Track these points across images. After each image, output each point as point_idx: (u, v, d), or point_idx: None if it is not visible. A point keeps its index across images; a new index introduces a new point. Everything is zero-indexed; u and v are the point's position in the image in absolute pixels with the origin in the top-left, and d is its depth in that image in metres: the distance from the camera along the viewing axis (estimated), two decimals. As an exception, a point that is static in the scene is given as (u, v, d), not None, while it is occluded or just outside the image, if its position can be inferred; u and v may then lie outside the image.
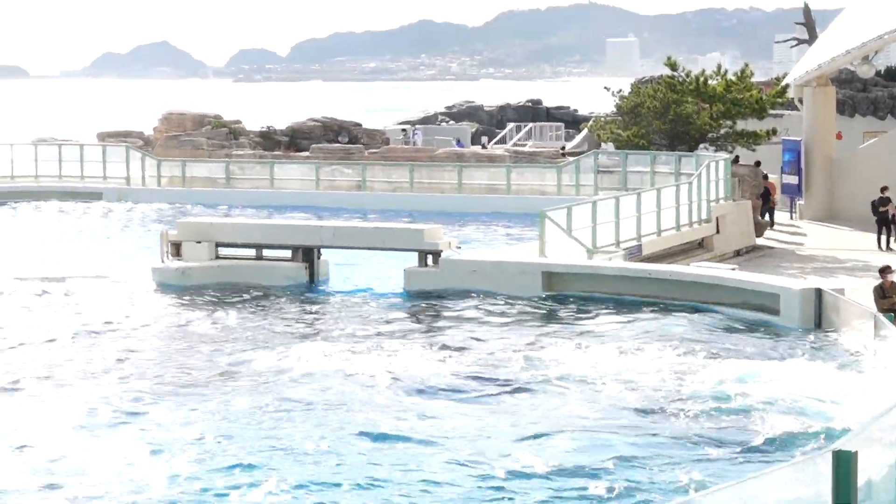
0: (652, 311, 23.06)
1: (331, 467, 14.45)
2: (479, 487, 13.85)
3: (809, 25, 67.50)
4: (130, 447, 15.06)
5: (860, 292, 23.31)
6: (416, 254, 26.28)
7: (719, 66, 43.55)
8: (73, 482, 13.92)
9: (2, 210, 42.05)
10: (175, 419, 16.18)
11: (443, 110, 71.56)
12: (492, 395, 17.63)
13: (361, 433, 15.60)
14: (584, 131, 56.56)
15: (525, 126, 62.11)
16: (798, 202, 41.33)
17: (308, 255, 26.82)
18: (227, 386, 17.97)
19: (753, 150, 41.49)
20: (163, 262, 26.86)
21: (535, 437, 15.60)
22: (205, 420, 16.23)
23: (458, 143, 56.36)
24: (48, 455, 14.85)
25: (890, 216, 34.24)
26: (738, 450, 14.99)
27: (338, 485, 13.86)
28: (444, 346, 20.42)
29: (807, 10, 68.11)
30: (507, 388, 17.85)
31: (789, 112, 45.28)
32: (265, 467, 14.33)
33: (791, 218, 40.82)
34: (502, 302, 24.02)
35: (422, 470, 14.30)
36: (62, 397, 17.37)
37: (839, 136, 42.81)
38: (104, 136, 54.18)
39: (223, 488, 13.66)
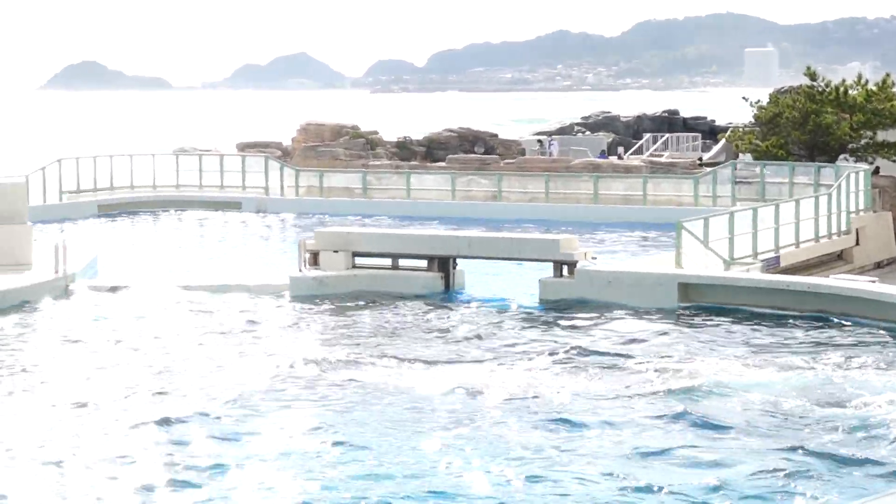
0: (790, 324, 22.80)
1: (464, 480, 14.43)
2: None
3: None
4: (266, 452, 15.26)
5: None
6: (551, 264, 26.29)
7: (860, 76, 42.96)
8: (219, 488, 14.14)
9: (144, 218, 42.86)
10: (310, 426, 16.34)
11: (579, 121, 71.42)
12: (636, 409, 17.44)
13: (505, 454, 15.26)
14: (722, 142, 56.11)
15: (662, 136, 61.75)
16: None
17: (444, 265, 26.97)
18: (360, 394, 18.09)
19: (894, 161, 40.82)
20: (300, 270, 27.18)
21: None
22: (340, 428, 16.36)
23: (602, 154, 56.22)
24: (204, 451, 15.14)
25: None
26: (889, 469, 14.69)
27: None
28: (582, 357, 20.35)
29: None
30: (654, 402, 17.67)
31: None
32: (400, 477, 14.40)
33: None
34: (638, 313, 23.92)
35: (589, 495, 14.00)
36: (207, 399, 17.65)
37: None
38: (243, 147, 55.01)
39: (357, 497, 13.76)
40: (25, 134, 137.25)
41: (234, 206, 45.04)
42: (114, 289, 26.54)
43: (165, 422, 16.49)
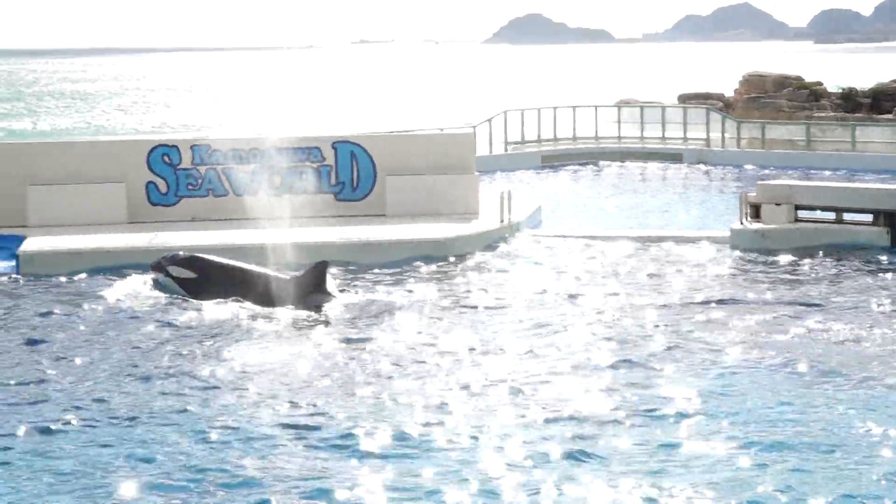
0: None
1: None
2: None
3: None
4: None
5: None
6: None
7: None
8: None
9: (586, 169, 43.47)
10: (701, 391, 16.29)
11: None
12: None
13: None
14: None
15: None
16: None
17: (890, 219, 26.24)
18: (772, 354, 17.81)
19: None
20: (741, 223, 27.04)
21: None
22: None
23: None
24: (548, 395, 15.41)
25: None
26: None
27: None
28: None
29: None
30: None
31: None
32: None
33: None
34: None
35: None
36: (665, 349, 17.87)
37: None
38: (685, 98, 54.89)
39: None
40: (472, 86, 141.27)
41: (675, 157, 45.06)
42: (557, 238, 27.18)
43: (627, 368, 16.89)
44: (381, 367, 17.13)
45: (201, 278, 21.70)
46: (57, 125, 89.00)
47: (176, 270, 21.97)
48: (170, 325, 19.66)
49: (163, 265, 22.20)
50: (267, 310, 20.43)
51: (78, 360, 17.61)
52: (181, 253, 22.63)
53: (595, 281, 22.94)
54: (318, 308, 20.54)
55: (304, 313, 20.27)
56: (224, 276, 21.63)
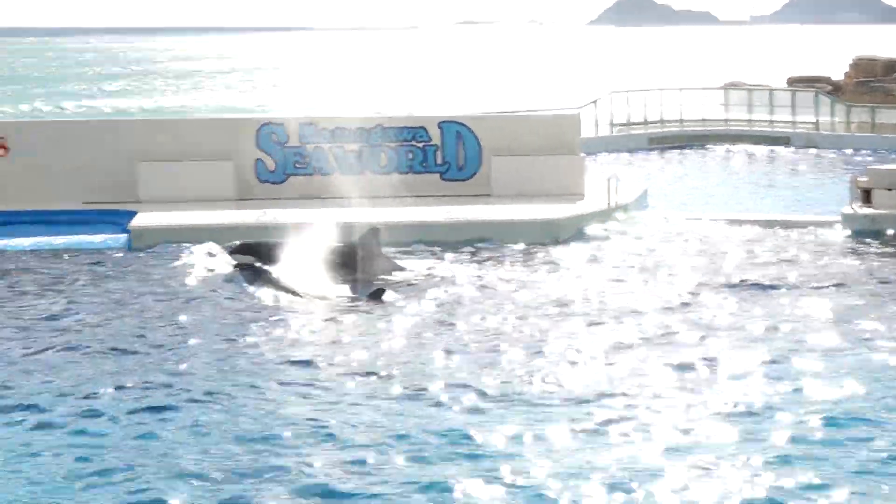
0: None
1: None
2: None
3: None
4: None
5: None
6: None
7: None
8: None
9: (693, 152, 43.12)
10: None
11: None
12: None
13: None
14: None
15: None
16: None
17: None
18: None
19: None
20: (852, 208, 26.69)
21: None
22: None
23: None
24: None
25: None
26: None
27: None
28: None
29: None
30: None
31: None
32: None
33: None
34: None
35: None
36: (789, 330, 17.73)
37: None
38: (794, 81, 54.27)
39: None
40: (577, 68, 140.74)
41: (783, 140, 44.53)
42: (664, 220, 27.01)
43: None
44: (501, 347, 17.17)
45: (262, 260, 21.86)
46: (164, 103, 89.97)
47: (237, 258, 22.24)
48: (262, 303, 19.91)
49: (229, 255, 22.53)
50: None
51: (166, 332, 17.96)
52: (236, 242, 22.91)
53: (705, 265, 22.74)
54: (373, 274, 20.89)
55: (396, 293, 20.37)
56: (279, 254, 21.76)
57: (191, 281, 21.46)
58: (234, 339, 17.63)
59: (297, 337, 17.81)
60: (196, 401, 14.73)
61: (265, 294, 20.39)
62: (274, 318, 18.91)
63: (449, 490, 12.04)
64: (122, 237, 25.35)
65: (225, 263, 22.47)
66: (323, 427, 13.77)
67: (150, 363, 16.45)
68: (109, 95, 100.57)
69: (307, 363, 16.36)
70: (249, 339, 17.62)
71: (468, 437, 13.39)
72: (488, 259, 23.40)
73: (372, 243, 21.63)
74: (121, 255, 24.06)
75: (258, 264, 21.85)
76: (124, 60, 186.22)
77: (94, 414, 14.32)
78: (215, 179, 28.48)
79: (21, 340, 17.72)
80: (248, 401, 14.77)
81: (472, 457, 12.89)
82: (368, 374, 15.82)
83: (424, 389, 15.10)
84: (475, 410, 14.34)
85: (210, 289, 20.90)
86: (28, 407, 14.62)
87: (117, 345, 17.35)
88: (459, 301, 19.86)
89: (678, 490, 12.02)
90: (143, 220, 25.96)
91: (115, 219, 26.64)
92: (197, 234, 24.83)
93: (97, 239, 25.54)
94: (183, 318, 18.86)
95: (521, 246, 24.50)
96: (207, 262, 22.80)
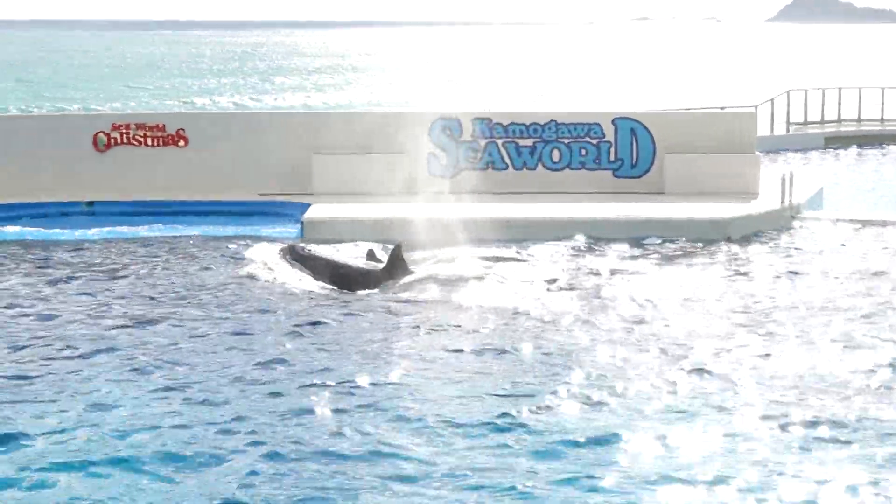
0: None
1: None
2: None
3: None
4: None
5: None
6: None
7: None
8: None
9: (871, 152, 42.25)
10: None
11: None
12: None
13: None
14: None
15: None
16: None
17: None
18: None
19: None
20: None
21: None
22: None
23: None
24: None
25: None
26: None
27: None
28: None
29: None
30: None
31: None
32: None
33: None
34: None
35: None
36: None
37: None
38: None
39: None
40: (754, 66, 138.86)
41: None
42: (840, 221, 26.52)
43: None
44: (667, 347, 17.04)
45: (301, 266, 21.93)
46: (332, 98, 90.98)
47: (291, 255, 22.39)
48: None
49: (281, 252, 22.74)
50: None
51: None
52: (297, 244, 23.07)
53: (862, 266, 22.24)
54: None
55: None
56: (311, 264, 21.75)
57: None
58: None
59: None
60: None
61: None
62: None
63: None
64: (295, 229, 25.73)
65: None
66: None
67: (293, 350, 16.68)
68: (284, 89, 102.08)
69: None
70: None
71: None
72: (658, 256, 23.20)
73: (397, 263, 21.18)
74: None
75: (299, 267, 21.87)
76: (295, 53, 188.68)
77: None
78: (388, 173, 28.71)
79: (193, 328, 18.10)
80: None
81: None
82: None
83: (625, 391, 14.99)
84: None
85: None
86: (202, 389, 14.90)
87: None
88: (635, 299, 19.68)
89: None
90: (316, 212, 26.30)
91: (290, 210, 27.06)
92: (368, 228, 25.08)
93: (270, 230, 25.96)
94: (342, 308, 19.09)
95: (694, 244, 24.25)
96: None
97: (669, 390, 14.81)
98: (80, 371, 15.76)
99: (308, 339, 17.31)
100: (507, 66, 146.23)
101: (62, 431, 13.44)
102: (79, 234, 25.70)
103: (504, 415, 13.87)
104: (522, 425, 13.60)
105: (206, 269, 22.19)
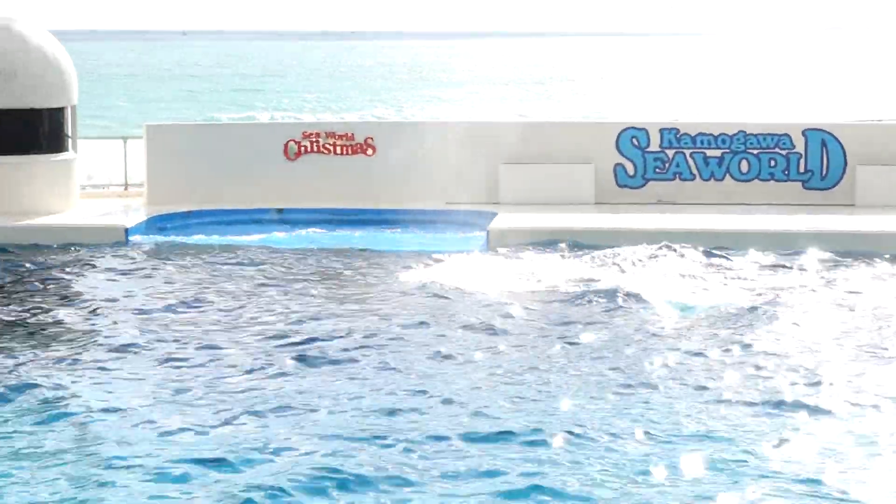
0: None
1: None
2: None
3: None
4: None
5: None
6: None
7: None
8: None
9: None
10: None
11: None
12: None
13: None
14: None
15: None
16: None
17: None
18: None
19: None
20: None
21: None
22: None
23: None
24: None
25: None
26: None
27: None
28: None
29: None
30: None
31: None
32: None
33: None
34: None
35: None
36: None
37: None
38: None
39: None
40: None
41: None
42: None
43: None
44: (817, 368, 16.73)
45: None
46: (519, 109, 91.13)
47: None
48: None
49: None
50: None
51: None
52: None
53: None
54: None
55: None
56: None
57: (540, 282, 21.64)
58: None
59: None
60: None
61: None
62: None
63: None
64: (481, 237, 25.86)
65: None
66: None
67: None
68: (469, 99, 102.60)
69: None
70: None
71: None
72: (852, 271, 22.77)
73: None
74: (478, 254, 24.51)
75: None
76: (484, 64, 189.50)
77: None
78: (575, 183, 28.69)
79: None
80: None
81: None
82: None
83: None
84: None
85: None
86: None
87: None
88: (820, 312, 19.39)
89: None
90: (502, 221, 26.40)
91: (476, 219, 27.22)
92: (555, 237, 25.08)
93: (455, 238, 26.17)
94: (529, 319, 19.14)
95: (884, 258, 23.74)
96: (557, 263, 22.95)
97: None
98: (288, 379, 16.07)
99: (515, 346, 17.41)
100: (691, 76, 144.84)
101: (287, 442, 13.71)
102: (270, 240, 26.24)
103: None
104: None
105: (395, 276, 22.45)
